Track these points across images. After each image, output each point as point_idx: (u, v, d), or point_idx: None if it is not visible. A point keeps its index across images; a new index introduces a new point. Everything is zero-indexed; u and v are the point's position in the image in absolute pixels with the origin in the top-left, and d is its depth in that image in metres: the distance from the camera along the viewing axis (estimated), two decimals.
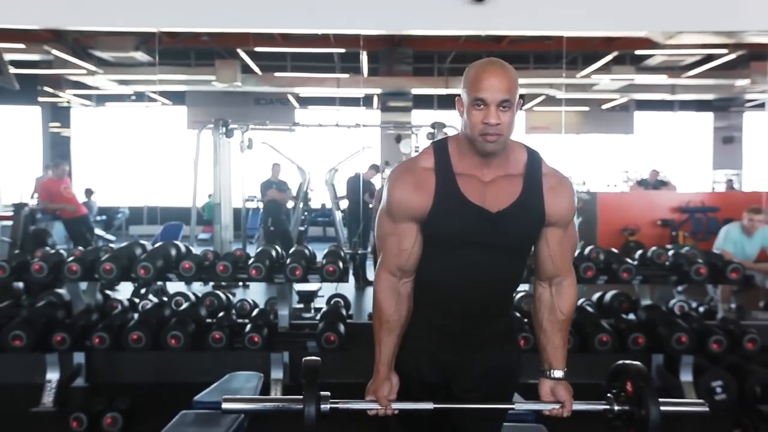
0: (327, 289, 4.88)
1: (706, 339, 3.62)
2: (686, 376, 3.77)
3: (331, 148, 6.33)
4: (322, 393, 1.55)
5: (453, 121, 5.61)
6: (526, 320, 3.83)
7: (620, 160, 7.91)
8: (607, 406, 1.65)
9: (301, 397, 1.53)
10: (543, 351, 1.69)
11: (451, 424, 1.78)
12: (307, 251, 4.01)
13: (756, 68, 5.88)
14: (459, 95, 1.53)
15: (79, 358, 4.04)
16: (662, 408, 1.52)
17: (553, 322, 1.67)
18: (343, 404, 1.59)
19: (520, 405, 1.75)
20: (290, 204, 6.60)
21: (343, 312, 4.20)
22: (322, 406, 1.53)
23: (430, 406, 1.64)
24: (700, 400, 1.76)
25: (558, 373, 1.67)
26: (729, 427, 2.99)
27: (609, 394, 1.68)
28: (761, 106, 5.94)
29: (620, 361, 1.70)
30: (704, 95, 7.69)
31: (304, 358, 1.68)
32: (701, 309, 4.62)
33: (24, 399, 3.71)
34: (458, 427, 1.78)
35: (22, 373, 3.99)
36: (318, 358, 1.67)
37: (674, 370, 3.85)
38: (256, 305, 4.40)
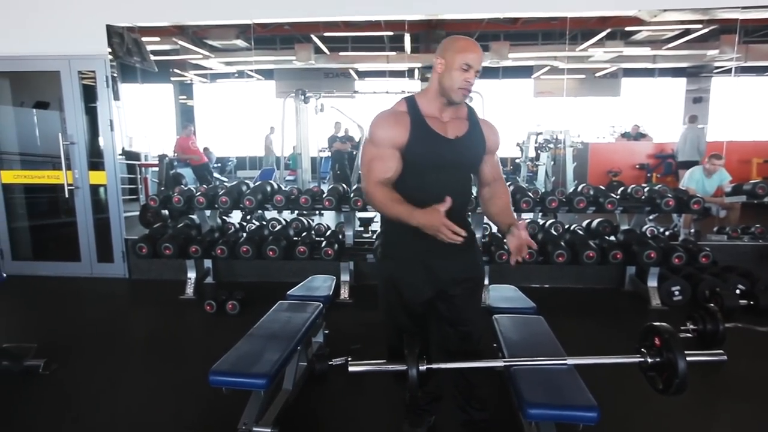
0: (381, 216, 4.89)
1: (669, 255, 3.49)
2: (652, 283, 3.67)
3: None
4: (419, 359, 1.59)
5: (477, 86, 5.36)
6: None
7: (609, 117, 7.44)
8: (642, 359, 1.59)
9: (405, 362, 1.58)
10: (497, 222, 1.75)
11: (447, 319, 1.78)
12: None
13: (725, 40, 5.35)
14: (440, 58, 1.59)
15: (207, 263, 4.24)
16: (688, 358, 1.45)
17: (495, 204, 1.77)
18: (435, 366, 1.64)
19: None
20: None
21: None
22: (420, 367, 1.59)
23: (500, 363, 1.74)
24: (719, 351, 1.64)
25: (510, 227, 1.64)
26: (683, 319, 2.91)
27: (642, 350, 1.61)
28: (728, 71, 5.43)
29: (649, 323, 1.62)
30: (680, 64, 7.07)
31: (405, 334, 1.71)
32: (667, 233, 4.43)
33: (174, 290, 3.95)
34: (453, 319, 1.77)
35: (172, 272, 4.24)
36: (417, 336, 1.68)
37: (643, 278, 3.75)
38: (329, 227, 4.46)
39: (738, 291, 3.45)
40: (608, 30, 5.57)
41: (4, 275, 2.74)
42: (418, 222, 1.51)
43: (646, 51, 6.34)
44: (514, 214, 1.77)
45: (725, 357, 1.61)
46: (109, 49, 4.26)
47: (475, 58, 1.56)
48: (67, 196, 4.37)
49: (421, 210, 1.51)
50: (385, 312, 1.82)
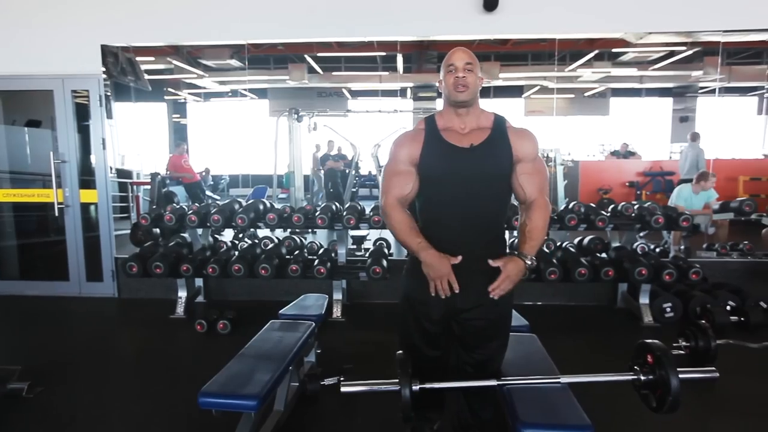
0: (373, 234, 4.91)
1: (660, 272, 3.52)
2: (644, 300, 3.69)
3: (375, 129, 6.26)
4: (412, 379, 1.57)
5: None
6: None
7: (598, 136, 7.60)
8: (635, 377, 1.60)
9: (398, 380, 1.57)
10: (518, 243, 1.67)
11: (460, 341, 1.72)
12: (358, 206, 4.02)
13: (708, 62, 5.55)
14: (440, 80, 1.64)
15: (198, 282, 4.21)
16: (680, 375, 1.47)
17: (524, 226, 1.66)
18: (428, 385, 1.62)
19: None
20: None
21: (386, 251, 4.24)
22: (413, 387, 1.57)
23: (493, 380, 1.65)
24: (711, 368, 1.66)
25: (517, 252, 1.61)
26: (675, 336, 2.93)
27: (635, 367, 1.61)
28: (712, 92, 5.61)
29: (641, 341, 1.63)
30: (666, 84, 7.26)
31: (397, 353, 1.70)
32: (657, 250, 4.47)
33: (164, 309, 3.91)
34: (466, 344, 1.72)
35: (162, 291, 4.20)
36: (407, 355, 1.68)
37: (635, 295, 3.77)
38: (321, 246, 4.45)
39: (728, 307, 3.48)
40: (596, 51, 5.72)
41: None
42: (425, 260, 1.55)
43: (633, 71, 6.51)
44: (535, 244, 1.61)
45: (717, 374, 1.61)
46: (104, 69, 4.29)
47: (455, 58, 1.57)
48: (56, 214, 4.34)
49: (435, 252, 1.55)
50: (400, 331, 1.79)
